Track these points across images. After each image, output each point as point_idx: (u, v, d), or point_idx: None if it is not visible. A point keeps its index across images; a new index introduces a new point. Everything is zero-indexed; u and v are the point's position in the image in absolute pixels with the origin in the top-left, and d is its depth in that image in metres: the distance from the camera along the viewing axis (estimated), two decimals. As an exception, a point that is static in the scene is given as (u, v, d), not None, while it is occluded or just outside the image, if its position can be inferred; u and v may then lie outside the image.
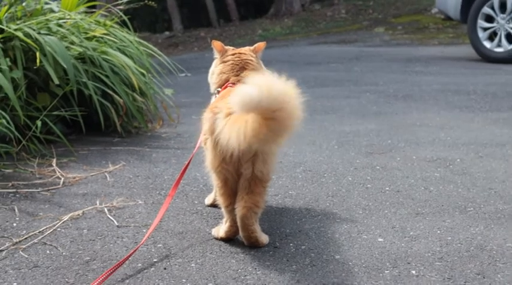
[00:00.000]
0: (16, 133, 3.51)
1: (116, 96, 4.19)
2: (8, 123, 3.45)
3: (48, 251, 2.36)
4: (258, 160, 2.23)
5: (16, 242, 2.44)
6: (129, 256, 2.22)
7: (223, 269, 2.18)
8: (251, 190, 2.26)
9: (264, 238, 2.37)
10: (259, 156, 2.23)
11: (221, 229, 2.42)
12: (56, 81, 3.76)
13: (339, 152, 3.85)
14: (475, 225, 2.58)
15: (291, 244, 2.40)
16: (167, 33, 18.11)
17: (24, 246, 2.40)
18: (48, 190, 3.14)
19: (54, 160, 3.59)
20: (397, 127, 4.58)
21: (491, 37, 8.30)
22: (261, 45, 2.78)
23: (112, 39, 4.49)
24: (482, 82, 6.60)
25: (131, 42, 4.63)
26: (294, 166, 3.52)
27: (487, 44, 8.29)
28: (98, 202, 2.92)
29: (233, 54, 2.71)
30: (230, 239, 2.40)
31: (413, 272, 2.16)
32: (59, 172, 3.40)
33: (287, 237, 2.47)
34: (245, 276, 2.12)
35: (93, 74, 4.16)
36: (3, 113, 3.47)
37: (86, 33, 4.39)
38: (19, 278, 2.13)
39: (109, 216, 2.74)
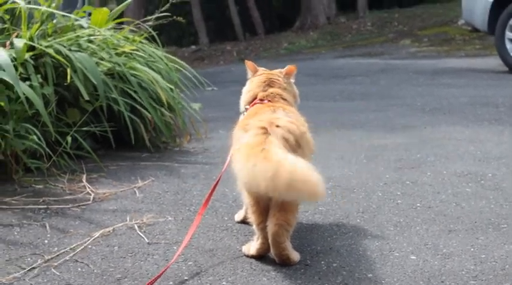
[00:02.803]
0: (46, 149, 3.55)
1: (144, 111, 4.21)
2: (38, 139, 3.49)
3: (79, 269, 2.37)
4: None
5: (48, 259, 2.45)
6: (161, 274, 2.21)
7: (255, 287, 2.16)
8: (283, 208, 2.25)
9: (295, 256, 2.35)
10: None
11: (252, 246, 2.41)
12: (86, 97, 3.80)
13: (368, 167, 3.82)
14: (510, 242, 2.54)
15: (322, 262, 2.38)
16: (193, 47, 18.22)
17: (56, 264, 2.41)
18: (79, 206, 3.16)
19: (84, 176, 3.61)
20: (425, 141, 4.54)
21: (520, 48, 8.21)
22: (291, 68, 2.78)
23: (141, 54, 4.52)
24: (511, 94, 6.52)
25: (160, 57, 4.66)
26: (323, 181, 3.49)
27: (516, 56, 8.20)
28: (128, 219, 2.93)
29: (261, 74, 2.73)
30: (261, 256, 2.39)
31: (448, 290, 2.13)
32: (89, 187, 3.42)
33: (318, 254, 2.45)
34: (277, 294, 2.11)
35: (122, 90, 4.19)
36: (34, 129, 3.51)
37: (115, 49, 4.43)
38: (52, 296, 2.14)
39: (139, 233, 2.75)
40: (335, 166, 3.86)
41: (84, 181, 3.53)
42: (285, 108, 2.50)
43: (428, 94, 6.85)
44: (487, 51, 10.91)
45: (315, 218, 2.90)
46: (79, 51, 4.02)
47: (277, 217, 2.26)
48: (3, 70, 3.37)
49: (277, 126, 2.26)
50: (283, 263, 2.32)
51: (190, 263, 2.40)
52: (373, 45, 13.49)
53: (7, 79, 3.35)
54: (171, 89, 4.51)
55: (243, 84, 2.81)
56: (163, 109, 4.40)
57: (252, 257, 2.41)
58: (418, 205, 3.06)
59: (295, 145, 2.26)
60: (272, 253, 2.33)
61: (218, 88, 7.97)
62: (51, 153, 3.63)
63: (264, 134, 2.22)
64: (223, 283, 2.21)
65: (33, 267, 2.38)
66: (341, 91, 7.50)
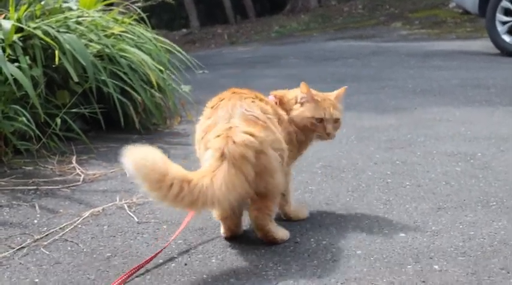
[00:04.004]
0: (36, 130, 3.53)
1: (134, 93, 4.20)
2: (28, 120, 3.47)
3: (69, 248, 2.37)
4: (258, 179, 2.20)
5: (37, 239, 2.45)
6: (156, 255, 2.22)
7: (244, 265, 2.17)
8: (263, 196, 2.25)
9: (284, 234, 2.36)
10: (258, 176, 2.20)
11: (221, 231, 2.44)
12: (75, 79, 3.78)
13: (359, 147, 3.83)
14: (498, 219, 2.56)
15: (312, 239, 2.39)
16: (184, 30, 18.15)
17: (45, 243, 2.41)
18: (69, 186, 3.15)
19: (74, 157, 3.60)
20: (416, 122, 4.54)
21: (511, 31, 8.21)
22: (341, 91, 2.74)
23: (130, 36, 4.50)
24: (501, 76, 6.53)
25: (149, 39, 4.64)
26: (313, 161, 3.50)
27: (506, 38, 8.19)
28: (117, 199, 2.93)
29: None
30: (233, 238, 2.40)
31: (436, 267, 2.14)
32: (78, 169, 3.42)
33: (307, 232, 2.46)
34: (266, 271, 2.12)
35: (112, 71, 4.18)
36: (24, 111, 3.49)
37: (104, 30, 4.41)
38: (41, 275, 2.14)
39: (129, 212, 2.75)
40: (325, 146, 3.85)
41: (74, 162, 3.53)
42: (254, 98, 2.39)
43: (419, 77, 6.85)
44: (478, 34, 10.91)
45: (305, 197, 2.90)
46: (68, 32, 4.00)
47: (257, 203, 2.26)
48: (-9, 51, 3.35)
49: (234, 142, 2.15)
50: (271, 243, 2.32)
51: (180, 241, 2.40)
52: (364, 28, 13.46)
53: (-5, 60, 3.33)
54: (160, 71, 4.50)
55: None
56: (153, 91, 4.38)
57: (226, 239, 2.42)
58: (408, 183, 3.07)
59: (256, 157, 2.16)
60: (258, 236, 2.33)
61: (209, 71, 7.95)
62: (40, 135, 3.61)
63: (220, 159, 2.14)
64: (213, 260, 2.22)
65: (23, 247, 2.38)
66: (332, 73, 7.48)
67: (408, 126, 4.38)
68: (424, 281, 2.03)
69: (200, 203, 2.04)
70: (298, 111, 2.52)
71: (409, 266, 2.15)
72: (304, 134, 2.54)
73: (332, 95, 2.63)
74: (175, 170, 2.06)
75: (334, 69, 7.86)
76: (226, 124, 2.22)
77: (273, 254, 2.24)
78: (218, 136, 2.19)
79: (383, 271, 2.11)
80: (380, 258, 2.22)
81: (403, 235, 2.43)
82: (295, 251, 2.28)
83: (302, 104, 2.52)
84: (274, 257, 2.23)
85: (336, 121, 2.56)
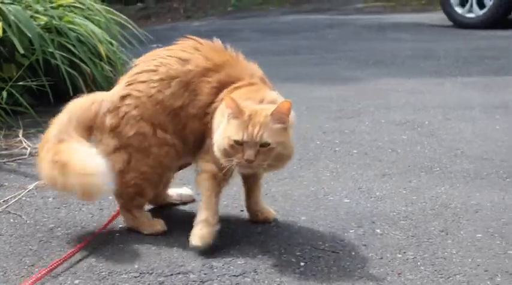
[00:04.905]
0: (-18, 104, 3.46)
1: (83, 65, 4.13)
2: (-28, 94, 3.39)
3: (12, 220, 2.34)
4: None
5: (-20, 212, 2.41)
6: (108, 223, 2.21)
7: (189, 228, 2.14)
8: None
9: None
10: None
11: None
12: (21, 51, 3.70)
13: (308, 117, 3.84)
14: (441, 184, 2.61)
15: (257, 207, 2.40)
16: (140, 4, 17.84)
17: (-13, 216, 2.38)
18: (14, 160, 3.11)
19: (21, 131, 3.54)
20: (367, 92, 4.58)
21: (463, 3, 8.30)
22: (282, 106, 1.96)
23: (79, 6, 4.41)
24: (453, 47, 6.61)
25: (98, 10, 4.56)
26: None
27: (459, 10, 8.29)
28: (64, 171, 2.89)
29: None
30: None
31: (378, 231, 2.18)
32: (25, 142, 3.36)
33: (253, 200, 2.47)
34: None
35: (60, 44, 4.10)
36: (-33, 84, 3.41)
37: (52, 1, 4.31)
38: (-18, 246, 2.11)
39: (75, 184, 2.71)
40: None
41: (20, 136, 3.47)
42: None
43: (373, 48, 6.90)
44: (432, 7, 10.99)
45: (253, 166, 2.90)
46: (12, 3, 3.90)
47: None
48: None
49: None
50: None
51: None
52: (321, 2, 13.45)
53: None
54: (111, 43, 4.43)
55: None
56: (102, 64, 4.32)
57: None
58: (355, 151, 3.11)
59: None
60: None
61: (163, 44, 7.85)
62: (-14, 108, 3.54)
63: None
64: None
65: (-36, 220, 2.34)
66: (288, 46, 7.47)
67: (359, 96, 4.42)
68: (365, 245, 2.07)
69: None
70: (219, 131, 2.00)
71: (351, 231, 2.18)
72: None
73: (267, 110, 1.94)
74: None
75: (290, 42, 7.85)
76: None
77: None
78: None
79: (326, 236, 2.14)
80: (324, 223, 2.24)
81: (347, 200, 2.46)
82: (240, 217, 2.30)
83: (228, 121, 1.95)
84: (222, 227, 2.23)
85: (265, 145, 1.91)
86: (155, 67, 2.14)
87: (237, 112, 1.91)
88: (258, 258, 1.98)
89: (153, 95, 2.11)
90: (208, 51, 2.17)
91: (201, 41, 2.22)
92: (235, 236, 2.15)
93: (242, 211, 2.36)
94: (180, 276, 1.87)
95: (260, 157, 1.91)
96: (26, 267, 1.96)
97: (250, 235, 2.15)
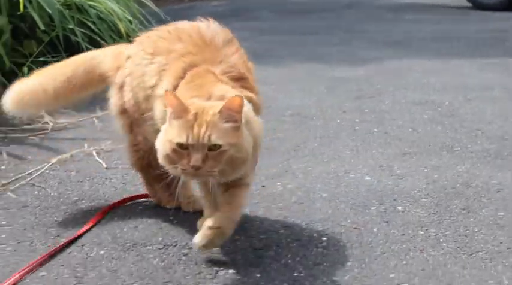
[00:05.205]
0: (3, 79, 3.48)
1: (102, 42, 4.14)
2: (-7, 69, 3.42)
3: (36, 192, 2.37)
4: None
5: (4, 184, 2.44)
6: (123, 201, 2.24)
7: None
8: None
9: None
10: None
11: None
12: (42, 27, 3.72)
13: (328, 97, 3.84)
14: (462, 163, 2.61)
15: (278, 183, 2.42)
16: (156, -16, 17.83)
17: (12, 188, 2.41)
18: (37, 134, 3.13)
19: (42, 106, 3.57)
20: (386, 72, 4.56)
21: (483, -16, 8.21)
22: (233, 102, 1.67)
23: (99, -16, 4.42)
24: (472, 29, 6.56)
25: (118, -12, 4.57)
26: (282, 109, 3.50)
27: (478, -8, 8.22)
28: (86, 146, 2.92)
29: None
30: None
31: (400, 208, 2.19)
32: (47, 117, 3.39)
33: (274, 177, 2.48)
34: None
35: (80, 20, 4.12)
36: (-11, 59, 3.44)
37: (72, -22, 4.32)
38: (8, 217, 2.15)
39: (97, 159, 2.74)
40: (295, 96, 3.87)
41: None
42: None
43: (391, 29, 6.85)
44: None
45: (273, 143, 2.91)
46: (33, -20, 3.91)
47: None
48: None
49: None
50: None
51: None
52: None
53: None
54: (130, 21, 4.44)
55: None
56: (122, 41, 4.33)
57: None
58: (375, 130, 3.10)
59: None
60: None
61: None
62: (7, 83, 3.56)
63: None
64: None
65: (-11, 191, 2.38)
66: (306, 26, 7.44)
67: (378, 77, 4.40)
68: (387, 221, 2.08)
69: None
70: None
71: (372, 208, 2.19)
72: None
73: (215, 107, 1.66)
74: None
75: (308, 22, 7.82)
76: None
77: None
78: None
79: (347, 212, 2.15)
80: (345, 200, 2.25)
81: (368, 178, 2.47)
82: (261, 194, 2.31)
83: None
84: (240, 199, 2.25)
85: (214, 148, 1.63)
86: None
87: (180, 111, 1.64)
88: (279, 233, 2.00)
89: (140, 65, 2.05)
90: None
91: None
92: (258, 211, 2.16)
93: (264, 186, 2.38)
94: (203, 249, 1.88)
95: (209, 162, 1.63)
96: (51, 237, 1.99)
97: (271, 210, 2.17)
